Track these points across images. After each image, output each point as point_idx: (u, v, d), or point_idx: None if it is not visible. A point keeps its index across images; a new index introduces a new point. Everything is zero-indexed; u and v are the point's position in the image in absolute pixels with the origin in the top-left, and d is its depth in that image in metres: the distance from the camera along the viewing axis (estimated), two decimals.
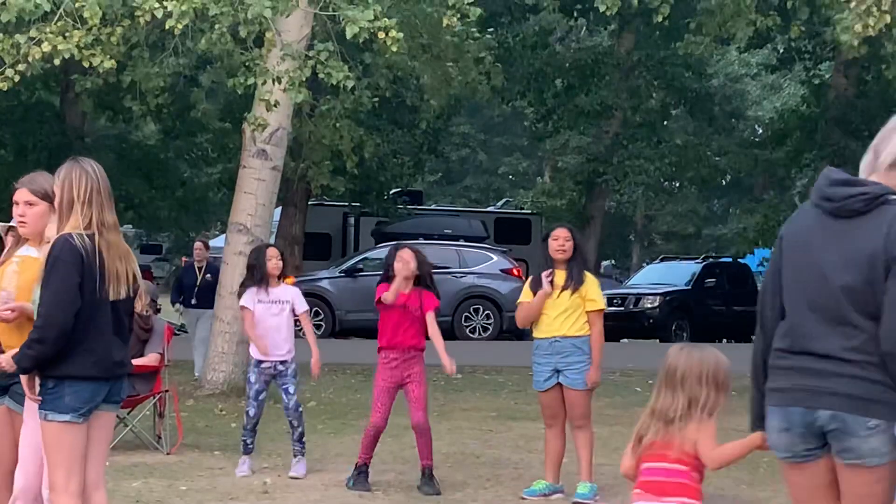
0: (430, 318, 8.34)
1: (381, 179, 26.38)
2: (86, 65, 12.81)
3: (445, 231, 26.97)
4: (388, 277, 8.35)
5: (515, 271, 23.48)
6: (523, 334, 18.32)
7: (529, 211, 32.89)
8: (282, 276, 8.97)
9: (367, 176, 25.05)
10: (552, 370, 8.13)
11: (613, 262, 50.76)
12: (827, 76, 26.63)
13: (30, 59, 12.35)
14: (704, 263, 27.07)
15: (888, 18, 12.99)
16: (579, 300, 8.08)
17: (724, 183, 41.01)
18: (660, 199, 38.53)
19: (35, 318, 5.15)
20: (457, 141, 44.23)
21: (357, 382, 15.08)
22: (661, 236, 52.30)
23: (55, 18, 12.34)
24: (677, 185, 38.57)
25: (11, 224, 5.80)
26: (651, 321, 24.88)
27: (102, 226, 5.12)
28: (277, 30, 12.91)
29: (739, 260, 27.99)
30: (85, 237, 5.06)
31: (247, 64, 12.98)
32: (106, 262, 5.09)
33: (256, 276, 8.85)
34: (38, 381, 5.13)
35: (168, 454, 9.70)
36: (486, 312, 23.24)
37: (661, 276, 27.25)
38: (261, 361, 8.86)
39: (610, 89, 28.08)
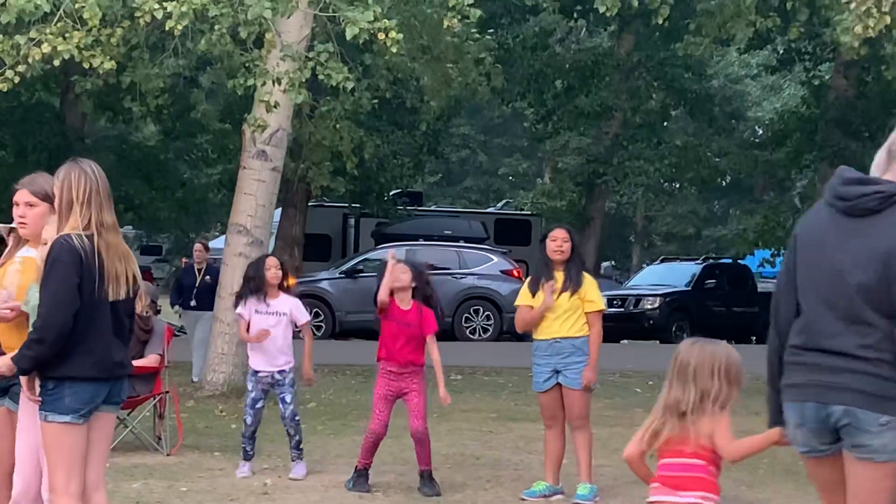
0: (431, 343, 8.28)
1: (381, 180, 26.38)
2: (86, 66, 12.81)
3: (445, 232, 26.98)
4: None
5: (515, 272, 23.47)
6: (523, 335, 18.32)
7: (529, 212, 32.90)
8: (282, 285, 8.94)
9: (367, 177, 25.04)
10: (552, 371, 8.13)
11: (613, 263, 50.75)
12: (827, 77, 26.63)
13: (30, 60, 12.35)
14: (704, 264, 27.09)
15: (888, 19, 12.99)
16: (578, 301, 8.09)
17: (724, 184, 40.98)
18: (660, 200, 38.53)
19: (34, 318, 5.16)
20: (457, 142, 44.24)
21: (357, 383, 15.07)
22: (661, 237, 52.30)
23: (55, 19, 12.34)
24: (677, 186, 38.59)
25: (12, 226, 5.81)
26: (651, 322, 24.89)
27: (101, 226, 5.12)
28: (277, 31, 12.91)
29: (739, 261, 28.00)
30: (84, 238, 5.06)
31: (246, 65, 12.98)
32: (105, 263, 5.09)
33: (252, 287, 8.85)
34: (37, 382, 5.13)
35: (168, 455, 9.70)
36: (486, 313, 23.24)
37: (661, 278, 27.26)
38: (258, 371, 8.88)
39: (610, 90, 28.09)
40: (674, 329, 24.72)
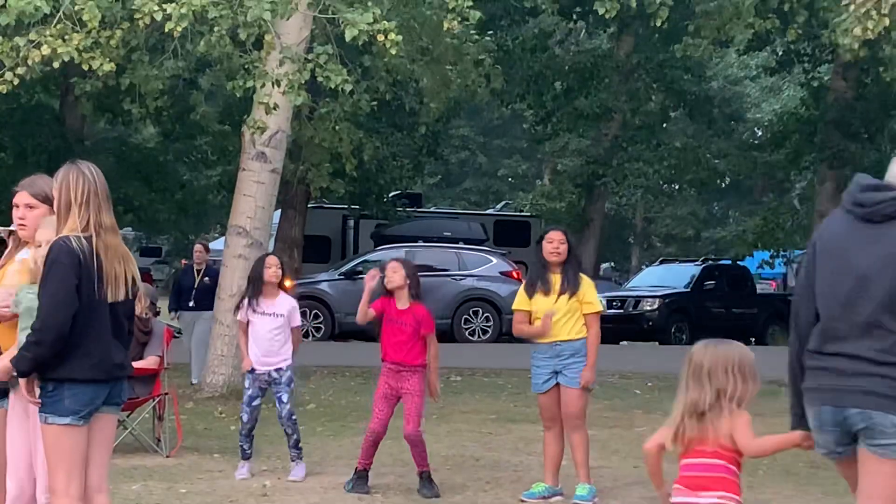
0: (431, 342, 8.35)
1: (380, 182, 26.38)
2: (85, 68, 12.82)
3: (445, 233, 26.97)
4: (385, 291, 8.39)
5: (515, 274, 23.45)
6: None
7: (529, 213, 32.90)
8: (281, 284, 8.98)
9: (367, 178, 25.05)
10: (551, 372, 8.14)
11: (613, 264, 50.75)
12: (826, 79, 26.63)
13: (29, 62, 12.36)
14: (704, 266, 27.07)
15: (887, 21, 13.00)
16: (577, 304, 8.09)
17: (723, 185, 40.95)
18: (659, 202, 38.57)
19: (23, 320, 5.16)
20: (456, 143, 44.26)
21: (356, 385, 15.08)
22: (660, 239, 52.31)
23: (54, 21, 12.34)
24: (676, 187, 38.58)
25: (11, 228, 5.81)
26: (650, 324, 24.88)
27: (100, 227, 5.12)
28: (277, 32, 12.91)
29: (739, 262, 27.99)
30: (82, 239, 5.06)
31: (246, 67, 12.98)
32: (104, 264, 5.09)
33: (253, 288, 8.91)
34: (37, 384, 5.13)
35: (167, 457, 9.70)
36: (486, 315, 23.23)
37: (661, 279, 27.25)
38: (255, 368, 8.90)
39: (609, 92, 28.10)
40: (673, 330, 24.72)
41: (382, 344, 8.37)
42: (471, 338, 22.93)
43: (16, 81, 12.50)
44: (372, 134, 21.69)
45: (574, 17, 28.23)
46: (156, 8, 12.11)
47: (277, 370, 8.87)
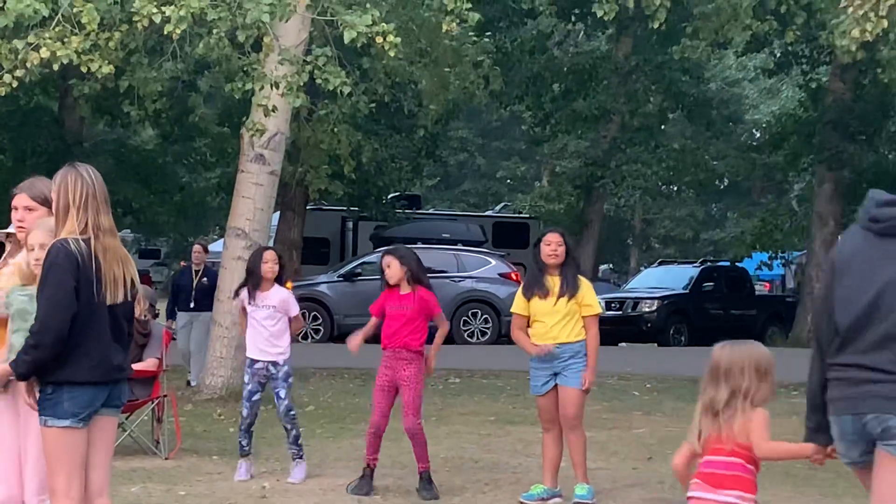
0: (440, 321, 8.48)
1: (379, 184, 26.38)
2: (84, 70, 12.82)
3: (444, 235, 26.96)
4: (387, 283, 8.41)
5: (514, 275, 23.46)
6: None
7: (528, 215, 32.89)
8: (279, 280, 9.00)
9: (366, 180, 25.05)
10: (550, 374, 8.14)
11: (611, 266, 50.78)
12: (824, 80, 26.66)
13: (28, 64, 12.36)
14: (702, 267, 27.10)
15: (885, 23, 13.01)
16: (576, 306, 8.09)
17: (721, 187, 41.04)
18: (658, 203, 38.62)
19: (13, 323, 5.17)
20: (455, 145, 44.27)
21: (355, 387, 15.08)
22: (658, 240, 52.33)
23: (53, 24, 12.34)
24: (675, 189, 38.65)
25: (10, 230, 5.82)
26: (649, 325, 24.90)
27: (98, 230, 5.12)
28: (275, 35, 12.92)
29: (737, 264, 28.01)
30: (81, 241, 5.06)
31: (245, 69, 12.98)
32: (102, 267, 5.09)
33: (251, 280, 8.95)
34: (36, 387, 5.14)
35: (166, 459, 9.70)
36: (484, 317, 23.24)
37: (659, 280, 27.26)
38: (254, 361, 8.92)
39: (608, 94, 28.11)
40: (672, 332, 24.74)
41: (383, 334, 8.37)
42: (469, 339, 22.94)
43: (15, 84, 12.50)
44: (371, 136, 21.70)
45: (572, 18, 28.24)
46: (154, 10, 12.11)
47: (274, 364, 8.88)
